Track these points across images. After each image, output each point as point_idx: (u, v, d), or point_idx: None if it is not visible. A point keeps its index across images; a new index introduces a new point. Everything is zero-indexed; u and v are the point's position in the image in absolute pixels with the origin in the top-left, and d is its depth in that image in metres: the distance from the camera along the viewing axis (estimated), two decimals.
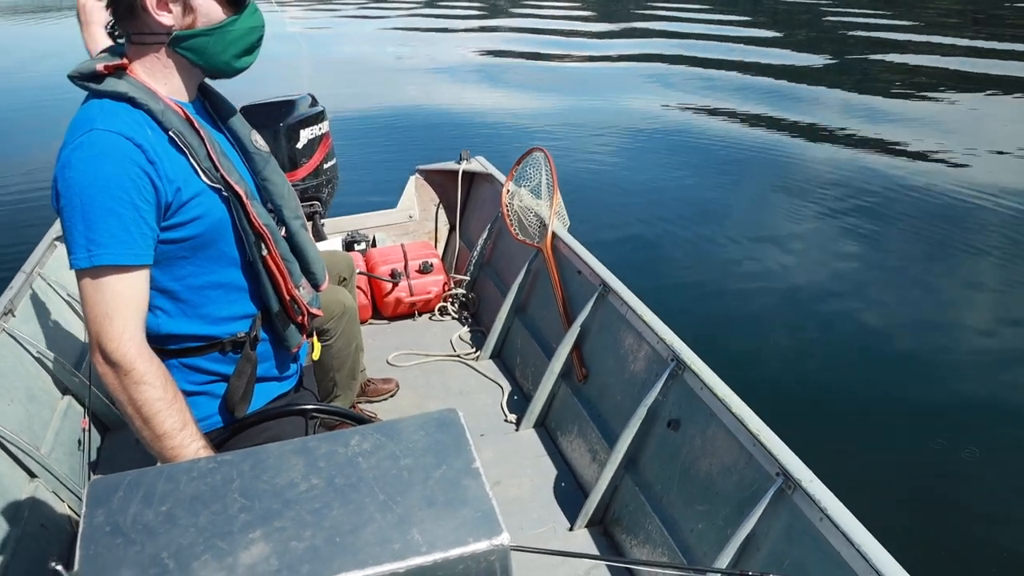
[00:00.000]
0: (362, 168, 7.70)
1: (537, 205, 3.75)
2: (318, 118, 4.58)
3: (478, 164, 4.58)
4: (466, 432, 1.23)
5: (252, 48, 1.62)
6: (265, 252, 1.64)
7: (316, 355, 2.15)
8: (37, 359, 3.14)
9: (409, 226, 4.82)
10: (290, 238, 1.78)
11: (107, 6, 1.53)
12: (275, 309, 1.71)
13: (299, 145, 4.48)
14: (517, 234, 3.77)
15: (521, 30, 25.72)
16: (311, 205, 4.64)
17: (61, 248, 3.89)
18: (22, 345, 3.10)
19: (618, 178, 8.09)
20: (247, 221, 1.60)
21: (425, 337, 4.13)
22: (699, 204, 7.44)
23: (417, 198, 4.82)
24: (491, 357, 3.90)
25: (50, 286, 3.58)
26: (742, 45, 18.75)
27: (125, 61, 1.53)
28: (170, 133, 1.51)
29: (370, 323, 4.28)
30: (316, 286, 1.85)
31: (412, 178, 4.82)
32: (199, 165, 1.54)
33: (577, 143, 9.49)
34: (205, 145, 1.55)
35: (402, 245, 4.45)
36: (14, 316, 3.15)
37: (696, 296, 5.56)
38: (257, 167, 1.77)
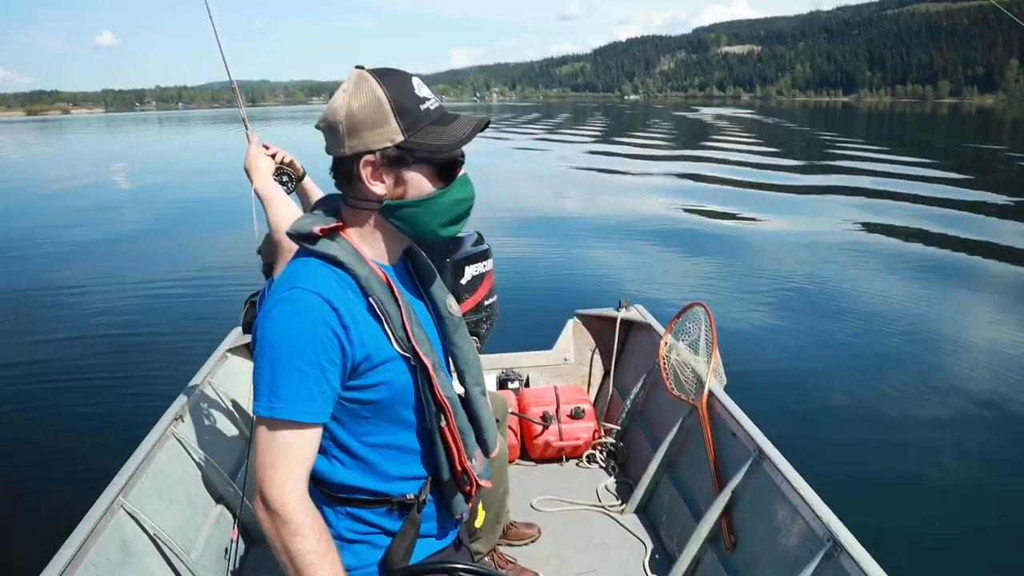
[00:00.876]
0: (522, 306, 7.83)
1: (695, 361, 3.72)
2: (483, 256, 4.77)
3: (636, 313, 4.62)
4: None
5: (460, 218, 1.68)
6: (443, 423, 1.69)
7: (479, 523, 2.16)
8: (198, 464, 3.33)
9: (563, 368, 4.87)
10: (468, 404, 1.82)
11: (330, 170, 1.66)
12: (445, 477, 1.74)
13: (463, 281, 4.67)
14: (672, 389, 3.75)
15: (700, 160, 26.14)
16: None
17: (232, 359, 4.16)
18: (187, 451, 3.30)
19: (782, 335, 7.90)
20: (430, 392, 1.64)
21: (571, 483, 4.10)
22: (866, 365, 7.11)
23: (574, 341, 4.88)
24: (636, 511, 3.82)
25: (218, 395, 3.81)
26: (925, 184, 18.38)
27: (340, 224, 1.63)
28: (370, 299, 1.57)
29: (517, 463, 4.30)
30: (487, 453, 1.87)
31: (570, 321, 4.91)
32: (392, 333, 1.59)
33: (740, 294, 9.38)
34: (402, 314, 1.61)
35: (555, 387, 4.49)
36: (183, 422, 3.38)
37: (860, 469, 5.24)
38: (448, 331, 1.83)
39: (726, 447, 3.35)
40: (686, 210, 16.19)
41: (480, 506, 2.10)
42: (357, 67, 1.63)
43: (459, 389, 1.83)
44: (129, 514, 2.73)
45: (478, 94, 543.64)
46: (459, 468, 1.74)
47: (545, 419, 4.25)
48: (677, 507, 3.57)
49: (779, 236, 13.13)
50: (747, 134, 48.93)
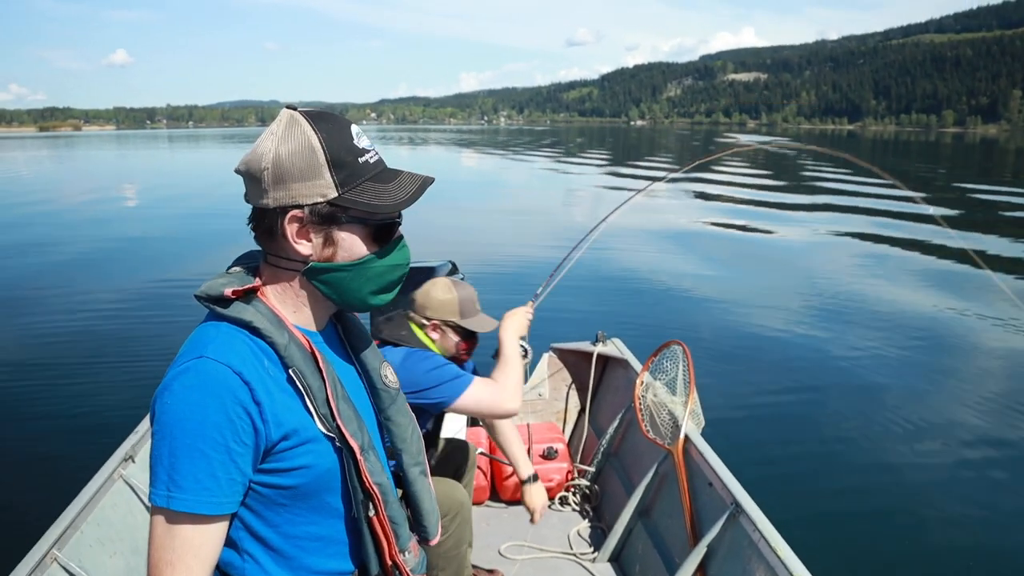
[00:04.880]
0: (496, 338, 7.41)
1: (671, 402, 3.50)
2: None
3: (614, 347, 4.40)
4: None
5: (393, 286, 1.51)
6: (372, 513, 1.49)
7: None
8: (148, 508, 3.09)
9: (538, 404, 4.66)
10: (406, 487, 1.66)
11: (249, 221, 1.45)
12: (373, 572, 1.54)
13: None
14: (648, 431, 3.53)
15: (700, 189, 25.86)
16: None
17: None
18: (136, 494, 3.06)
19: (762, 376, 7.49)
20: (358, 478, 1.45)
21: (542, 528, 3.86)
22: (852, 409, 6.69)
23: (549, 376, 4.67)
24: (609, 560, 3.59)
25: None
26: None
27: (257, 283, 1.45)
28: (290, 371, 1.39)
29: (486, 505, 4.09)
30: (426, 539, 1.69)
31: (546, 355, 4.70)
32: (316, 410, 1.40)
33: (721, 332, 8.93)
34: (326, 388, 1.42)
35: (528, 425, 4.29)
36: (133, 463, 3.13)
37: (841, 527, 4.84)
38: (383, 404, 1.65)
39: (702, 497, 3.14)
40: (673, 240, 15.76)
41: None
42: (288, 107, 1.43)
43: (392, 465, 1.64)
44: (63, 568, 2.51)
45: (486, 117, 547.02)
46: (389, 562, 1.53)
47: None
48: (651, 558, 3.35)
49: (768, 270, 12.76)
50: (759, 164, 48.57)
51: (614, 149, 69.29)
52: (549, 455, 4.07)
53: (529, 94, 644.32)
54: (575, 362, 4.61)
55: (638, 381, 3.74)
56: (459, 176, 36.08)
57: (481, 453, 4.04)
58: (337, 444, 1.43)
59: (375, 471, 1.48)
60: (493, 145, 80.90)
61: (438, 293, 2.96)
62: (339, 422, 1.42)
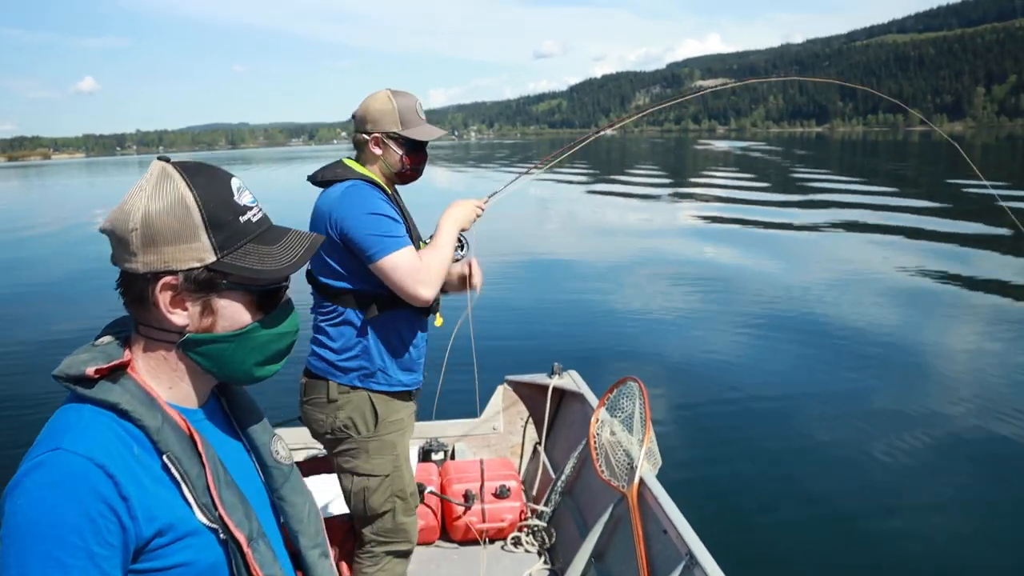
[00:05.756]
0: (449, 366, 7.00)
1: (627, 442, 3.32)
2: None
3: (570, 380, 4.21)
4: None
5: (281, 355, 1.36)
6: None
7: None
8: None
9: (492, 438, 4.46)
10: (305, 571, 1.48)
11: (117, 286, 1.28)
12: None
13: None
14: (602, 472, 3.33)
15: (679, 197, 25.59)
16: None
17: None
18: None
19: (719, 408, 6.96)
20: (247, 572, 1.28)
21: (494, 570, 3.69)
22: (817, 451, 6.18)
23: (503, 410, 4.47)
24: None
25: None
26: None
27: (127, 357, 1.27)
28: (164, 458, 1.22)
29: (436, 546, 3.91)
30: None
31: (500, 388, 4.51)
32: (195, 500, 1.23)
33: (679, 363, 8.21)
34: (206, 474, 1.26)
35: (481, 461, 4.12)
36: None
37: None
38: (275, 483, 1.47)
39: (657, 545, 2.95)
40: (635, 263, 15.09)
41: None
42: (160, 158, 1.26)
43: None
44: None
45: (456, 132, 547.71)
46: None
47: (467, 499, 3.86)
48: None
49: (727, 295, 11.99)
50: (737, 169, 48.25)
51: (595, 160, 68.76)
52: (501, 494, 3.88)
53: (498, 108, 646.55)
54: (530, 395, 4.41)
55: (593, 419, 3.55)
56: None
57: (431, 492, 3.85)
58: (221, 536, 1.25)
59: (266, 562, 1.30)
60: (473, 159, 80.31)
61: (376, 104, 2.74)
62: (221, 512, 1.24)
